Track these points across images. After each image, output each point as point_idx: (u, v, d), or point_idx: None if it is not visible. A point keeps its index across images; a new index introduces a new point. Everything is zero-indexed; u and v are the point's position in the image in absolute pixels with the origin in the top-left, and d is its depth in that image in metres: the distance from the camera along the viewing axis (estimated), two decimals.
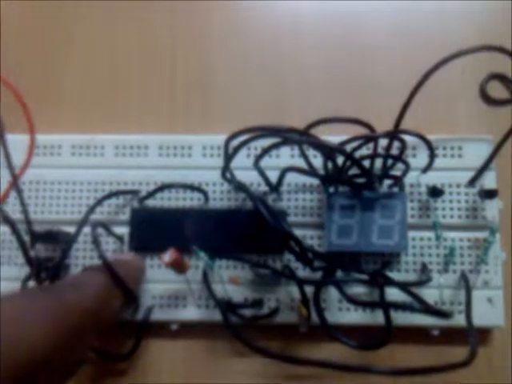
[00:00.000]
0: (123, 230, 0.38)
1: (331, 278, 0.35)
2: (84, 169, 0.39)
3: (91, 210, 0.36)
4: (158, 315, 0.36)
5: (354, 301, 0.34)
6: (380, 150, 0.36)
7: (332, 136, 0.35)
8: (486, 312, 0.36)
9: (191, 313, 0.36)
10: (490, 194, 0.36)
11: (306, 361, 0.34)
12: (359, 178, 0.36)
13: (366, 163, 0.35)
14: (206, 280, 0.36)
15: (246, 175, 0.37)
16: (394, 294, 0.35)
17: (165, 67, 0.43)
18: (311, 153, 0.37)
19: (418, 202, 0.37)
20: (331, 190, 0.36)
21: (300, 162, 0.37)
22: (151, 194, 0.38)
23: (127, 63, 0.43)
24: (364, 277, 0.35)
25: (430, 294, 0.35)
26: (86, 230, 0.36)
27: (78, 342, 0.29)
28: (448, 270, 0.36)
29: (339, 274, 0.35)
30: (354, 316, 0.36)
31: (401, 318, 0.35)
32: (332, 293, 0.36)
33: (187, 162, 0.39)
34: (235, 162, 0.34)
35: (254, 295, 0.36)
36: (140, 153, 0.39)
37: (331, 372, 0.34)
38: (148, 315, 0.36)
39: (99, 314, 0.31)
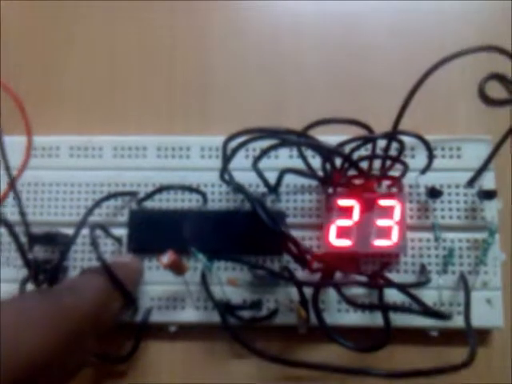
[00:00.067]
0: (121, 232, 0.38)
1: (330, 280, 0.35)
2: (82, 170, 0.39)
3: (89, 211, 0.36)
4: (156, 317, 0.36)
5: (352, 303, 0.34)
6: (379, 151, 0.36)
7: (331, 136, 0.35)
8: (485, 313, 0.36)
9: (190, 314, 0.36)
10: (489, 195, 0.36)
11: (304, 363, 0.34)
12: (358, 179, 0.35)
13: (365, 164, 0.35)
14: (204, 282, 0.36)
15: (245, 176, 0.37)
16: (393, 294, 0.35)
17: (164, 67, 0.43)
18: (310, 153, 0.37)
19: (416, 203, 0.37)
20: (330, 190, 0.36)
21: (299, 163, 0.37)
22: (149, 196, 0.38)
23: (127, 63, 0.43)
24: (363, 278, 0.35)
25: (428, 295, 0.35)
26: (85, 231, 0.36)
27: (78, 346, 0.29)
28: (447, 270, 0.36)
29: (338, 275, 0.35)
30: (353, 317, 0.36)
31: (400, 320, 0.35)
32: (331, 294, 0.36)
33: (185, 164, 0.38)
34: (234, 163, 0.34)
35: (253, 296, 0.36)
36: (138, 154, 0.39)
37: (330, 374, 0.34)
38: (147, 317, 0.36)
39: (98, 318, 0.31)
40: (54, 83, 0.43)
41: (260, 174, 0.36)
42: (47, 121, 0.41)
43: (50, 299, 0.30)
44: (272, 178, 0.37)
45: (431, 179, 0.37)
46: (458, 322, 0.35)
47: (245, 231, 0.37)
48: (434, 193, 0.36)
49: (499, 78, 0.39)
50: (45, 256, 0.37)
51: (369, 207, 0.35)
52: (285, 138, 0.32)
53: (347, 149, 0.34)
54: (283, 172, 0.36)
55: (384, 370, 0.32)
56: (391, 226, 0.35)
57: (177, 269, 0.33)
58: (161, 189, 0.38)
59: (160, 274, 0.37)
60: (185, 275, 0.34)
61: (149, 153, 0.39)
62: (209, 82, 0.42)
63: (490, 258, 0.36)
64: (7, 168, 0.38)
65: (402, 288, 0.34)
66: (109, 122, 0.41)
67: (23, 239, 0.35)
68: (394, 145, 0.35)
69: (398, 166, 0.35)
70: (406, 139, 0.34)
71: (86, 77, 0.43)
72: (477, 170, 0.36)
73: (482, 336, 0.37)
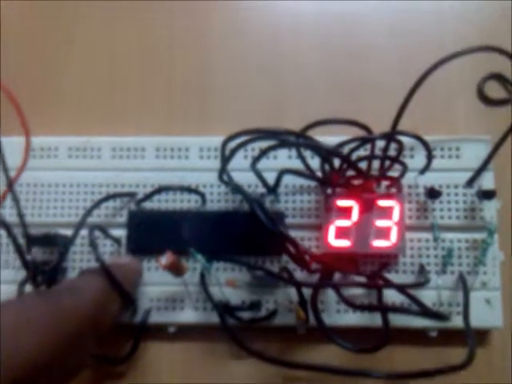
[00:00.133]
0: (120, 233, 0.38)
1: (329, 281, 0.35)
2: (81, 171, 0.39)
3: (88, 212, 0.36)
4: (155, 318, 0.36)
5: (351, 304, 0.34)
6: (378, 151, 0.36)
7: (330, 137, 0.35)
8: (484, 313, 0.36)
9: (189, 315, 0.36)
10: (488, 195, 0.36)
11: (302, 365, 0.34)
12: (357, 180, 0.35)
13: (364, 164, 0.35)
14: (203, 282, 0.36)
15: (244, 177, 0.37)
16: (392, 295, 0.35)
17: (163, 68, 0.43)
18: (309, 154, 0.37)
19: (415, 203, 0.37)
20: (329, 191, 0.36)
21: (298, 163, 0.37)
22: (148, 197, 0.38)
23: (126, 64, 0.43)
24: (362, 279, 0.35)
25: (427, 296, 0.35)
26: (83, 232, 0.36)
27: (77, 347, 0.29)
28: (446, 271, 0.36)
29: (337, 275, 0.35)
30: (352, 318, 0.36)
31: (399, 320, 0.35)
32: (330, 294, 0.36)
33: (184, 164, 0.38)
34: (232, 164, 0.34)
35: (252, 297, 0.36)
36: (137, 155, 0.39)
37: (329, 375, 0.34)
38: (146, 318, 0.36)
39: (97, 319, 0.31)
40: (53, 84, 0.42)
41: (259, 175, 0.36)
42: (46, 121, 0.41)
43: (50, 300, 0.30)
44: (271, 178, 0.37)
45: (430, 179, 0.37)
46: (457, 322, 0.35)
47: (244, 232, 0.37)
48: (433, 193, 0.36)
49: (498, 77, 0.39)
50: (43, 257, 0.37)
51: (368, 208, 0.35)
52: (284, 138, 0.32)
53: (346, 149, 0.34)
54: (282, 172, 0.36)
55: (383, 372, 0.32)
56: (390, 226, 0.35)
57: (176, 270, 0.33)
58: (160, 189, 0.38)
59: (159, 275, 0.36)
60: (184, 276, 0.34)
61: (147, 153, 0.39)
62: (208, 82, 0.42)
63: (489, 258, 0.36)
64: (5, 169, 0.37)
65: (401, 288, 0.34)
66: (107, 122, 0.41)
67: (22, 240, 0.35)
68: (393, 145, 0.35)
69: (397, 167, 0.35)
70: (404, 139, 0.34)
71: (85, 77, 0.43)
72: (476, 170, 0.36)
73: (481, 336, 0.37)
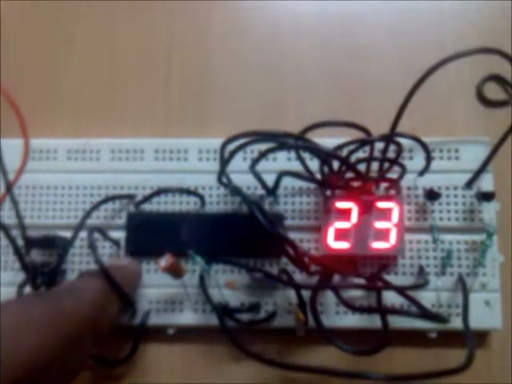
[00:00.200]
0: (119, 235, 0.38)
1: (328, 283, 0.35)
2: (80, 173, 0.39)
3: (87, 214, 0.36)
4: (154, 320, 0.36)
5: (350, 306, 0.34)
6: (377, 153, 0.36)
7: (329, 139, 0.35)
8: (483, 315, 0.36)
9: (188, 317, 0.36)
10: (487, 197, 0.36)
11: (301, 367, 0.34)
12: (356, 182, 0.35)
13: (363, 166, 0.35)
14: (202, 284, 0.36)
15: (243, 178, 0.37)
16: (391, 296, 0.35)
17: (163, 69, 0.43)
18: (308, 155, 0.37)
19: (414, 205, 0.37)
20: (328, 193, 0.36)
21: (297, 165, 0.37)
22: (147, 199, 0.38)
23: (126, 64, 0.43)
24: (361, 281, 0.35)
25: (427, 297, 0.35)
26: (83, 234, 0.36)
27: (77, 348, 0.29)
28: (445, 272, 0.36)
29: (336, 277, 0.35)
30: (351, 320, 0.36)
31: (398, 322, 0.35)
32: (329, 296, 0.36)
33: (183, 166, 0.38)
34: (232, 166, 0.34)
35: (251, 299, 0.36)
36: (136, 157, 0.39)
37: (328, 377, 0.34)
38: (145, 320, 0.36)
39: (96, 320, 0.31)
40: (53, 85, 0.42)
41: (258, 177, 0.36)
42: (45, 123, 0.41)
43: (49, 301, 0.30)
44: (270, 180, 0.36)
45: (429, 181, 0.37)
46: (456, 323, 0.35)
47: (243, 234, 0.37)
48: (432, 195, 0.36)
49: (497, 79, 0.39)
50: (43, 259, 0.37)
51: (367, 209, 0.35)
52: (283, 141, 0.32)
53: (345, 151, 0.34)
54: (281, 174, 0.36)
55: (383, 374, 0.32)
56: (389, 228, 0.35)
57: (175, 272, 0.33)
58: (158, 191, 0.38)
59: (158, 277, 0.37)
60: (183, 278, 0.34)
61: (146, 155, 0.39)
62: (208, 83, 0.42)
63: (488, 259, 0.36)
64: (4, 171, 0.37)
65: (401, 290, 0.34)
66: (106, 124, 0.41)
67: (21, 242, 0.35)
68: (392, 147, 0.35)
69: (396, 168, 0.35)
70: (403, 141, 0.34)
71: (84, 78, 0.43)
72: (475, 171, 0.36)
73: (480, 338, 0.37)
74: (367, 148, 0.35)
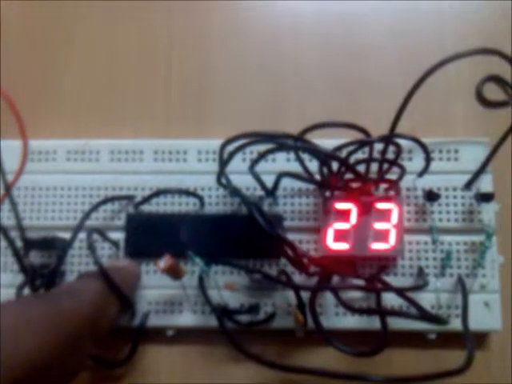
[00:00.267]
0: (118, 236, 0.38)
1: (327, 284, 0.35)
2: (79, 174, 0.39)
3: (86, 215, 0.36)
4: (154, 321, 0.36)
5: (349, 307, 0.34)
6: (376, 154, 0.36)
7: (328, 139, 0.35)
8: (483, 316, 0.35)
9: (187, 319, 0.36)
10: (486, 198, 0.36)
11: (300, 369, 0.34)
12: (355, 183, 0.35)
13: (362, 167, 0.35)
14: (201, 286, 0.36)
15: (242, 179, 0.37)
16: (390, 298, 0.35)
17: (163, 69, 0.43)
18: (307, 156, 0.37)
19: (414, 206, 0.37)
20: (327, 194, 0.36)
21: (296, 166, 0.37)
22: (146, 200, 0.38)
23: (126, 64, 0.43)
24: (360, 282, 0.35)
25: (426, 298, 0.35)
26: (82, 235, 0.36)
27: (76, 349, 0.29)
28: (445, 273, 0.36)
29: (335, 278, 0.35)
30: (351, 321, 0.36)
31: (397, 323, 0.35)
32: (328, 297, 0.36)
33: (182, 167, 0.38)
34: (231, 167, 0.34)
35: (250, 300, 0.36)
36: (135, 158, 0.39)
37: (327, 379, 0.34)
38: (144, 321, 0.36)
39: (96, 321, 0.31)
40: (52, 85, 0.42)
41: (257, 178, 0.36)
42: (44, 124, 0.41)
43: (48, 302, 0.30)
44: (269, 181, 0.36)
45: (428, 182, 0.37)
46: (455, 324, 0.35)
47: (242, 235, 0.37)
48: (431, 196, 0.36)
49: (497, 79, 0.39)
50: (42, 260, 0.37)
51: (366, 210, 0.35)
52: (282, 142, 0.32)
53: (344, 152, 0.34)
54: (280, 175, 0.36)
55: (382, 375, 0.32)
56: (388, 229, 0.35)
57: (174, 273, 0.33)
58: (158, 192, 0.38)
59: (157, 278, 0.37)
60: (182, 279, 0.34)
61: (146, 156, 0.39)
62: (208, 83, 0.42)
63: (487, 260, 0.36)
64: (3, 172, 0.37)
65: (400, 292, 0.34)
66: (106, 125, 0.41)
67: (20, 244, 0.35)
68: (392, 148, 0.35)
69: (396, 169, 0.35)
70: (403, 142, 0.34)
71: (84, 78, 0.43)
72: (474, 172, 0.36)
73: (480, 339, 0.37)
74: (366, 149, 0.35)
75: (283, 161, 0.38)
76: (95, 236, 0.36)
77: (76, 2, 0.44)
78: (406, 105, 0.34)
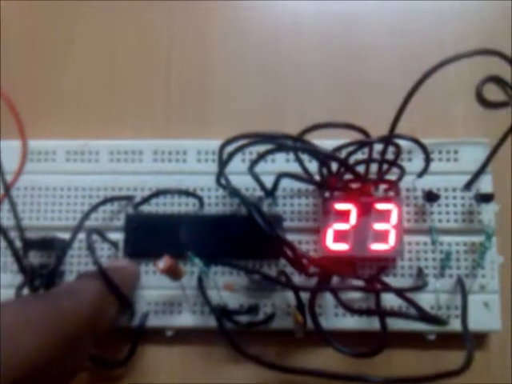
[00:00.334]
0: (118, 236, 0.38)
1: (327, 285, 0.34)
2: (78, 175, 0.39)
3: (86, 216, 0.36)
4: (153, 321, 0.36)
5: (349, 308, 0.34)
6: (375, 155, 0.36)
7: (328, 140, 0.35)
8: (482, 316, 0.35)
9: (186, 319, 0.36)
10: (486, 198, 0.36)
11: (299, 370, 0.34)
12: (355, 183, 0.35)
13: (362, 168, 0.35)
14: (201, 286, 0.36)
15: (242, 180, 0.37)
16: (390, 298, 0.35)
17: (162, 69, 0.43)
18: (307, 157, 0.37)
19: (413, 207, 0.37)
20: (327, 194, 0.36)
21: (296, 166, 0.37)
22: (146, 200, 0.38)
23: (126, 64, 0.43)
24: (360, 282, 0.35)
25: (426, 299, 0.35)
26: (81, 236, 0.36)
27: (75, 349, 0.29)
28: (444, 274, 0.36)
29: (335, 279, 0.35)
30: (350, 321, 0.36)
31: (397, 324, 0.35)
32: (328, 298, 0.36)
33: (182, 168, 0.38)
34: (230, 167, 0.34)
35: (250, 301, 0.36)
36: (135, 158, 0.39)
37: (327, 379, 0.34)
38: (143, 321, 0.36)
39: (95, 321, 0.31)
40: (51, 85, 0.42)
41: (256, 178, 0.36)
42: (43, 124, 0.41)
43: (48, 302, 0.30)
44: (269, 181, 0.36)
45: (428, 183, 0.37)
46: (455, 325, 0.35)
47: (241, 235, 0.37)
48: (431, 196, 0.36)
49: (497, 80, 0.39)
50: (41, 261, 0.37)
51: (366, 211, 0.35)
52: (281, 142, 0.31)
53: (344, 153, 0.34)
54: (280, 176, 0.36)
55: (382, 376, 0.32)
56: (388, 229, 0.35)
57: (173, 273, 0.33)
58: (157, 193, 0.38)
59: (156, 279, 0.36)
60: (181, 280, 0.34)
61: (145, 157, 0.39)
62: (208, 83, 0.42)
63: (487, 261, 0.36)
64: (2, 173, 0.37)
65: (399, 292, 0.34)
66: (105, 125, 0.41)
67: (19, 244, 0.35)
68: (391, 148, 0.35)
69: (395, 170, 0.35)
70: (402, 142, 0.34)
71: (84, 78, 0.43)
72: (474, 173, 0.36)
73: (479, 339, 0.37)
74: (366, 149, 0.35)
75: (283, 161, 0.38)
76: (94, 236, 0.36)
77: (76, 2, 0.44)
78: (405, 105, 0.34)
